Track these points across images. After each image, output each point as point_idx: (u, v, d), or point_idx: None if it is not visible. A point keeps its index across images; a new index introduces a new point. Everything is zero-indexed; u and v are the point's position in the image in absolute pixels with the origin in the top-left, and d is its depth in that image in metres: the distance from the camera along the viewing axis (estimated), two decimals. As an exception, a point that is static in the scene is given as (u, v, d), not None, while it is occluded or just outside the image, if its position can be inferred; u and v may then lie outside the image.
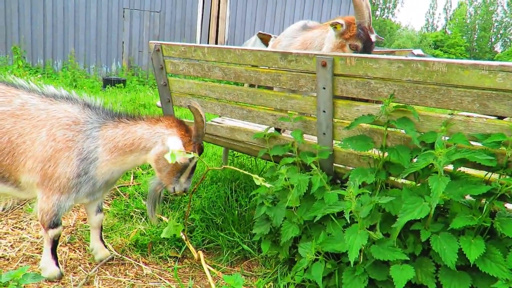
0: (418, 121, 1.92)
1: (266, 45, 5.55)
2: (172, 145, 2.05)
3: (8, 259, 2.36)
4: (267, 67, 2.47)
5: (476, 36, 53.47)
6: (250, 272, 2.45)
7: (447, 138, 1.84)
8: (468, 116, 1.85)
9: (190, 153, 2.11)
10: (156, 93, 9.39)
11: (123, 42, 11.14)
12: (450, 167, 1.90)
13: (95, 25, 10.67)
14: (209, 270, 2.26)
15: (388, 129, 2.03)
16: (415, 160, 1.89)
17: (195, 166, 2.26)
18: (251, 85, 3.73)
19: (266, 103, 2.58)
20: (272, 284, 2.21)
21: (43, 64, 10.29)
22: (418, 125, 1.94)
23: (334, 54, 2.08)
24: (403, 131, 1.95)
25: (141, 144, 2.18)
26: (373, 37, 2.63)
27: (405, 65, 1.85)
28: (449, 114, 1.89)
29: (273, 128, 2.88)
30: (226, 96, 2.80)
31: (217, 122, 3.34)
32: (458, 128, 1.84)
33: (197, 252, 2.43)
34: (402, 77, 1.87)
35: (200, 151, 2.22)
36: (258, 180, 2.03)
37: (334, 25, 2.62)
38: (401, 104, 1.94)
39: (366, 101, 2.35)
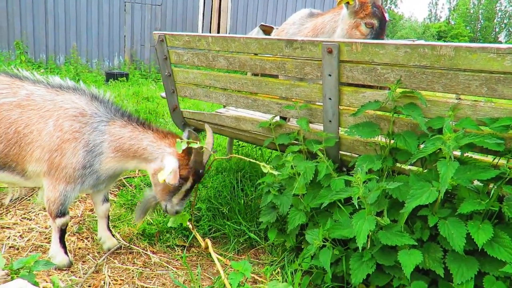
0: (426, 106, 1.91)
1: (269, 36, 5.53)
2: (166, 164, 2.05)
3: (17, 249, 2.38)
4: (272, 55, 2.46)
5: (479, 26, 52.95)
6: (257, 260, 2.46)
7: (454, 123, 1.83)
8: (475, 100, 1.84)
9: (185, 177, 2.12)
10: (159, 86, 9.39)
11: (124, 36, 11.11)
12: (456, 152, 1.90)
13: (97, 19, 10.64)
14: (217, 257, 2.27)
15: (395, 115, 2.02)
16: (422, 146, 1.88)
17: (189, 190, 2.21)
18: (255, 74, 3.71)
19: (271, 92, 2.57)
20: (279, 271, 2.22)
21: (45, 59, 10.29)
22: (425, 111, 1.93)
23: (340, 41, 2.06)
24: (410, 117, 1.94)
25: (143, 155, 2.18)
26: (386, 16, 2.60)
27: (412, 50, 1.83)
28: (456, 98, 1.88)
29: (278, 117, 2.87)
30: (231, 85, 2.79)
31: (221, 112, 3.34)
32: (466, 112, 1.83)
33: (204, 240, 2.44)
34: (409, 62, 1.86)
35: (197, 177, 2.17)
36: (266, 168, 2.04)
37: (347, 1, 2.59)
38: (408, 90, 1.93)
39: (370, 87, 2.35)
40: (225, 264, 2.31)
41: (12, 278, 1.59)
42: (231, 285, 1.73)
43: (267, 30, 5.30)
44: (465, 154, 1.89)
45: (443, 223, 1.69)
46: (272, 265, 2.33)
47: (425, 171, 1.97)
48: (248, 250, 2.59)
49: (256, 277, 2.20)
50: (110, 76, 9.64)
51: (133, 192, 3.15)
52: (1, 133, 2.09)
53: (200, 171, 2.16)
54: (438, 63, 1.78)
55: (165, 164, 2.05)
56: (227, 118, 3.00)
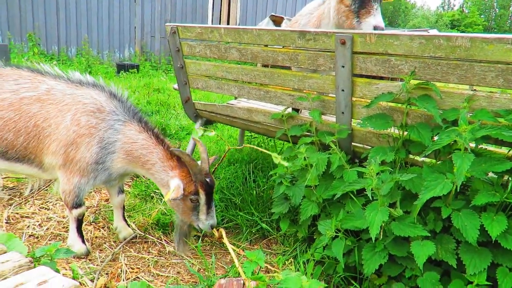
0: (440, 98, 1.90)
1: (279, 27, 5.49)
2: (171, 186, 2.11)
3: (37, 237, 2.46)
4: (282, 47, 2.46)
5: (494, 14, 51.63)
6: (269, 250, 2.50)
7: (469, 114, 1.82)
8: (491, 92, 1.82)
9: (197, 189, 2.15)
10: (170, 77, 9.43)
11: (135, 28, 11.14)
12: (471, 144, 1.89)
13: (107, 11, 10.67)
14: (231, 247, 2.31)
15: (408, 106, 2.01)
16: (436, 137, 1.88)
17: (209, 202, 2.22)
18: (265, 66, 3.71)
19: (283, 83, 2.58)
20: (292, 261, 2.26)
21: (57, 51, 10.39)
22: (439, 102, 1.92)
23: (354, 32, 2.05)
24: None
25: (150, 169, 2.21)
26: None
27: (427, 41, 1.82)
28: (471, 90, 1.87)
29: (290, 109, 2.88)
30: (243, 77, 2.81)
31: (233, 104, 3.36)
32: (481, 104, 1.81)
33: (218, 230, 2.48)
34: (424, 53, 1.85)
35: (207, 187, 2.18)
36: (277, 159, 2.05)
37: None
38: (422, 81, 1.92)
39: (381, 78, 2.33)
40: (238, 254, 2.36)
41: (35, 266, 1.64)
42: (245, 273, 1.77)
43: (277, 21, 5.26)
44: (480, 146, 1.88)
45: (457, 214, 1.70)
46: (284, 255, 2.37)
47: (439, 162, 1.97)
48: (260, 240, 2.62)
49: (269, 266, 2.24)
50: (121, 67, 9.71)
51: (147, 183, 3.21)
52: (21, 127, 2.14)
53: (207, 180, 2.18)
54: (454, 54, 1.77)
55: (170, 187, 2.12)
56: (239, 109, 3.02)
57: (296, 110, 2.99)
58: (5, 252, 1.75)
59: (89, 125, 2.15)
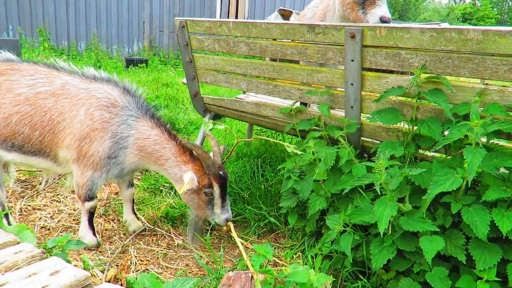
0: (451, 92, 1.88)
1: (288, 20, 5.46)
2: (185, 180, 2.14)
3: (49, 229, 2.50)
4: (291, 41, 2.44)
5: (507, 7, 50.58)
6: (277, 244, 2.51)
7: (481, 109, 1.80)
8: (503, 86, 1.80)
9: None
10: (178, 72, 9.45)
11: (143, 22, 11.17)
12: (482, 139, 1.86)
13: (116, 5, 10.72)
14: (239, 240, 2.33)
15: (418, 101, 1.99)
16: (446, 132, 1.86)
17: (223, 195, 2.24)
18: (273, 60, 3.70)
19: (292, 77, 2.57)
20: (300, 255, 2.26)
21: (67, 45, 10.48)
22: (450, 96, 1.89)
23: (364, 25, 2.03)
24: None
25: (164, 165, 2.23)
26: None
27: (438, 34, 1.79)
28: (483, 84, 1.84)
29: (298, 103, 2.87)
30: (252, 71, 2.80)
31: (241, 98, 3.36)
32: (493, 98, 1.79)
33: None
34: (435, 46, 1.82)
35: (220, 179, 2.20)
36: (290, 148, 2.05)
37: None
38: (433, 75, 1.90)
39: (391, 72, 2.31)
40: (246, 247, 2.37)
41: (47, 256, 1.68)
42: (253, 266, 1.78)
43: (285, 15, 5.24)
44: (491, 141, 1.86)
45: (467, 210, 1.68)
46: (292, 249, 2.37)
47: (449, 157, 1.95)
48: (268, 234, 2.64)
49: (276, 260, 2.25)
50: (130, 62, 9.76)
51: (156, 177, 3.24)
52: (37, 121, 2.18)
53: (220, 172, 2.21)
54: (465, 47, 1.74)
55: (184, 181, 2.15)
56: (247, 104, 3.02)
57: (305, 104, 2.99)
58: (18, 243, 1.78)
59: (103, 120, 2.17)
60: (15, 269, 1.53)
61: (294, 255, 2.28)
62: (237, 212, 2.78)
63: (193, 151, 2.20)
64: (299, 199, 2.39)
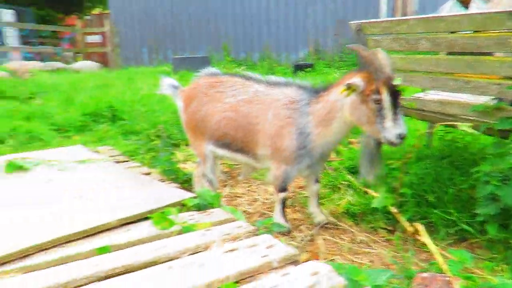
0: None
1: (466, 8, 4.84)
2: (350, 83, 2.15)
3: (249, 214, 2.97)
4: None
5: None
6: (472, 254, 2.30)
7: None
8: None
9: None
10: (342, 73, 9.51)
11: (308, 29, 11.74)
12: None
13: (284, 17, 11.65)
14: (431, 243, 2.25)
15: None
16: None
17: (396, 106, 2.10)
18: (449, 53, 3.40)
19: (489, 72, 2.34)
20: (503, 267, 2.03)
21: (244, 57, 11.97)
22: None
23: None
24: None
25: (336, 107, 2.33)
26: None
27: None
28: None
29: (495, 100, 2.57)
30: (436, 68, 2.68)
31: (420, 97, 3.22)
32: None
33: (412, 225, 2.45)
34: None
35: (389, 88, 2.08)
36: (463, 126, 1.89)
37: None
38: None
39: None
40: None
41: (259, 234, 2.02)
42: (451, 271, 1.72)
43: (464, 1, 4.74)
44: None
45: None
46: (492, 261, 2.15)
47: None
48: (458, 242, 2.45)
49: (474, 270, 2.08)
50: (298, 67, 10.41)
51: (334, 175, 3.41)
52: (239, 125, 2.65)
53: (390, 83, 2.11)
54: None
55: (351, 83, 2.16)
56: (428, 102, 2.88)
57: (500, 99, 2.65)
58: (234, 221, 2.21)
59: (286, 117, 2.49)
60: (238, 240, 1.90)
61: (495, 267, 2.06)
62: (420, 215, 2.68)
63: (359, 53, 2.21)
64: (501, 206, 2.14)
